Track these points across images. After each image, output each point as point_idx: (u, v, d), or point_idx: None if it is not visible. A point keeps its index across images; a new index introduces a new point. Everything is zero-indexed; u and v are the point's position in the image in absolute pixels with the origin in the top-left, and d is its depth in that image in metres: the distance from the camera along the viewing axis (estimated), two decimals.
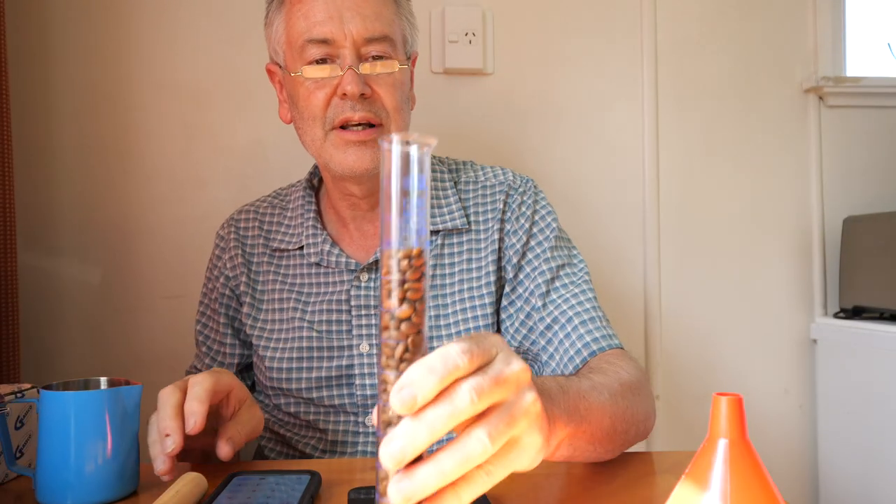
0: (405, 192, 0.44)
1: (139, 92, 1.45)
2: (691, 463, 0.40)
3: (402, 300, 0.44)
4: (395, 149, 0.45)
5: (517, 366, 0.45)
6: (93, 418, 0.62)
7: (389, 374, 0.44)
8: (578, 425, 0.57)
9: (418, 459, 0.43)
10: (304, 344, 0.93)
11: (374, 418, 0.45)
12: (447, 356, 0.42)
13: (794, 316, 1.67)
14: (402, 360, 0.44)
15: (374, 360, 0.90)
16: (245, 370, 1.03)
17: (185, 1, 1.46)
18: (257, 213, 1.03)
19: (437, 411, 0.42)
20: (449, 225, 0.94)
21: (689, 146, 1.65)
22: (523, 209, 0.95)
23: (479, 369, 0.44)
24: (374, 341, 0.90)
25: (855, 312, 1.59)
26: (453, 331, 0.92)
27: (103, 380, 0.69)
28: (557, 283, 0.91)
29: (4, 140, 1.28)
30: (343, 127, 0.86)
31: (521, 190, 0.96)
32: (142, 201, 1.45)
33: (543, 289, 0.90)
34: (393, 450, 0.41)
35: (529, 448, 0.46)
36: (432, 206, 0.94)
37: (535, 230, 0.94)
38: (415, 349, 0.44)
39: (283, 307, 0.96)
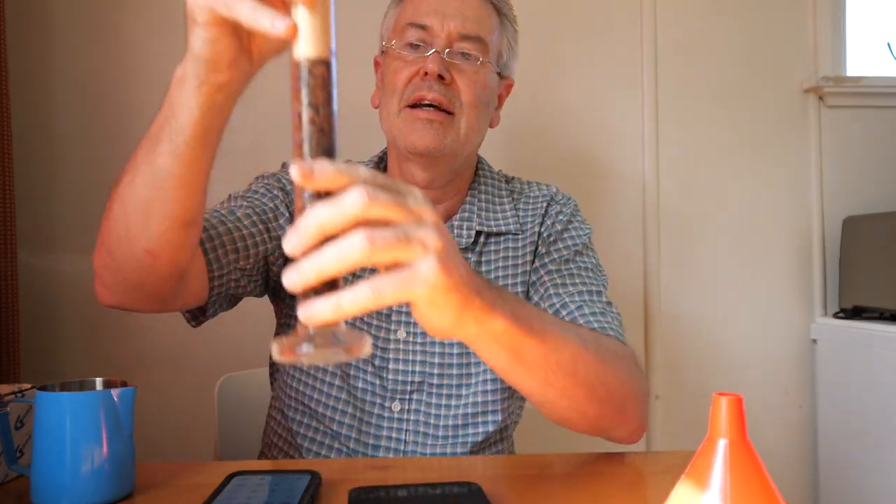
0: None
1: (139, 92, 1.45)
2: (691, 463, 0.40)
3: (307, 104, 0.46)
4: None
5: (425, 207, 0.47)
6: (88, 420, 0.62)
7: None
8: (527, 334, 0.58)
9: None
10: None
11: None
12: (354, 170, 0.45)
13: (794, 316, 1.67)
14: (303, 155, 0.46)
15: (409, 348, 0.92)
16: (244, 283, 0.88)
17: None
18: None
19: (326, 206, 0.43)
20: (503, 228, 0.97)
21: (688, 146, 1.64)
22: (560, 217, 0.99)
23: None
24: (411, 329, 0.92)
25: (855, 312, 1.59)
26: None
27: (99, 381, 0.69)
28: (577, 279, 0.93)
29: (4, 140, 1.28)
30: (416, 106, 0.91)
31: (562, 202, 1.01)
32: None
33: (558, 281, 0.93)
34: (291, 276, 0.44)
35: (423, 277, 0.46)
36: (489, 210, 0.98)
37: (565, 234, 0.98)
38: (318, 147, 0.46)
39: None
